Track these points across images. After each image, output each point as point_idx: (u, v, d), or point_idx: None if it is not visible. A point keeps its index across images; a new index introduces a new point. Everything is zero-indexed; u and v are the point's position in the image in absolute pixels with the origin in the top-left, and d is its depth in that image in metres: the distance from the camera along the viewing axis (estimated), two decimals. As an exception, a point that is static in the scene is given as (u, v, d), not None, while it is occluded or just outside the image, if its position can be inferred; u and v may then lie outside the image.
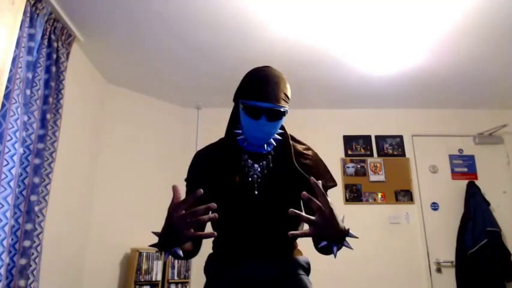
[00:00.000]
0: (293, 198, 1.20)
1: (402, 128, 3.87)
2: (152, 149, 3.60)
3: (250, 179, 1.19)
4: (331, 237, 0.98)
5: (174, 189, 0.93)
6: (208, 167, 1.24)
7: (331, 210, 0.93)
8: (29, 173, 2.08)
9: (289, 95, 1.16)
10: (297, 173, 1.20)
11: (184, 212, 0.91)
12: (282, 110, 1.13)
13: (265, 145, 1.21)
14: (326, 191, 1.23)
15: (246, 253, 1.20)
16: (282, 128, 1.26)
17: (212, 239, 1.31)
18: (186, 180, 1.29)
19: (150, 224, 3.59)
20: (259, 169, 1.21)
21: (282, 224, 1.20)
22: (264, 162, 1.22)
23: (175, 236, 0.94)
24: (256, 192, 1.18)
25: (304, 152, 1.27)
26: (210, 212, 0.98)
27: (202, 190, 0.89)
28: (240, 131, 1.22)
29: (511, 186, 3.63)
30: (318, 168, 1.26)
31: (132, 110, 3.56)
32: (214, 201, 1.23)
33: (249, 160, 1.22)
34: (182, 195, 0.95)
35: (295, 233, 0.93)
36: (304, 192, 0.91)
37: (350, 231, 1.00)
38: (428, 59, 2.92)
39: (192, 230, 0.93)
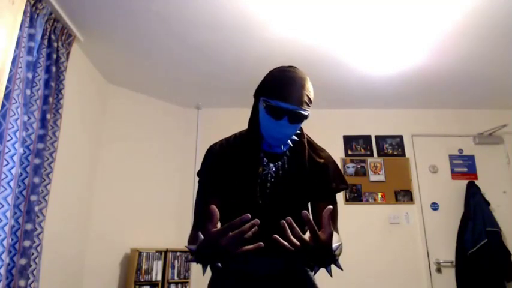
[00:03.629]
0: (303, 200, 1.23)
1: (402, 128, 3.87)
2: (152, 149, 3.60)
3: (263, 177, 1.20)
4: (315, 260, 0.95)
5: (212, 210, 0.88)
6: (224, 164, 1.22)
7: (328, 238, 0.89)
8: (29, 173, 2.08)
9: (312, 99, 1.15)
10: (309, 177, 1.21)
11: (230, 234, 0.86)
12: (303, 113, 1.11)
13: (282, 145, 1.21)
14: (337, 193, 1.26)
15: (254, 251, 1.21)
16: (300, 128, 1.25)
17: None
18: (199, 174, 1.27)
19: (150, 224, 3.61)
20: (273, 169, 1.21)
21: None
22: (279, 162, 1.21)
23: (224, 256, 0.90)
24: (267, 192, 1.19)
25: (318, 153, 1.27)
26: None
27: (249, 215, 0.84)
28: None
29: (511, 186, 3.62)
30: (330, 170, 1.25)
31: (132, 110, 3.56)
32: (227, 197, 1.22)
33: (265, 158, 1.22)
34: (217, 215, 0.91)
35: (280, 240, 0.88)
36: (305, 212, 0.87)
37: (338, 261, 0.98)
38: (428, 59, 2.92)
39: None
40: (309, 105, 1.13)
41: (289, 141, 1.21)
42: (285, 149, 1.23)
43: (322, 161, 1.25)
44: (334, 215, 1.23)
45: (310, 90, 1.14)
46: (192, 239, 1.11)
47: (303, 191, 1.22)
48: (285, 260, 1.20)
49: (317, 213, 1.23)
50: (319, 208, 1.22)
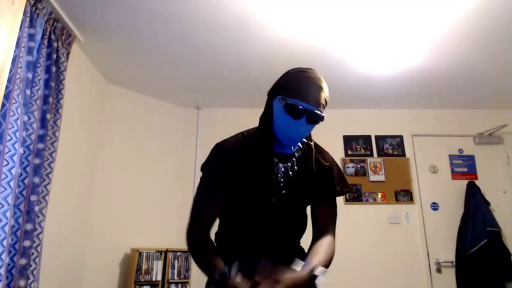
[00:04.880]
0: (306, 202, 1.26)
1: (402, 128, 3.87)
2: (152, 149, 3.60)
3: (274, 177, 1.20)
4: None
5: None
6: (230, 161, 1.19)
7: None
8: (29, 173, 2.08)
9: (328, 102, 1.17)
10: (316, 179, 1.22)
11: None
12: (321, 115, 1.12)
13: (292, 146, 1.22)
14: (340, 196, 1.29)
15: (257, 250, 1.21)
16: None
17: (214, 232, 1.32)
18: (203, 167, 1.24)
19: (150, 224, 3.61)
20: (283, 169, 1.21)
21: (293, 226, 1.26)
22: (289, 164, 1.22)
23: None
24: (282, 192, 1.19)
25: (324, 156, 1.29)
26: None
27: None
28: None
29: (511, 186, 3.62)
30: (335, 173, 1.28)
31: (132, 110, 3.56)
32: (234, 196, 1.21)
33: (275, 158, 1.21)
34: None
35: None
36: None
37: (316, 281, 1.02)
38: (428, 59, 2.92)
39: None
40: (324, 108, 1.15)
41: (299, 143, 1.22)
42: (294, 150, 1.23)
43: (327, 164, 1.26)
44: (333, 218, 1.26)
45: (327, 92, 1.16)
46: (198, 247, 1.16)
47: (309, 192, 1.23)
48: (284, 260, 1.20)
49: (317, 215, 1.24)
50: (320, 210, 1.25)
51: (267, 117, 1.20)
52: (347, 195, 3.63)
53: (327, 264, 1.10)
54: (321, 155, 1.28)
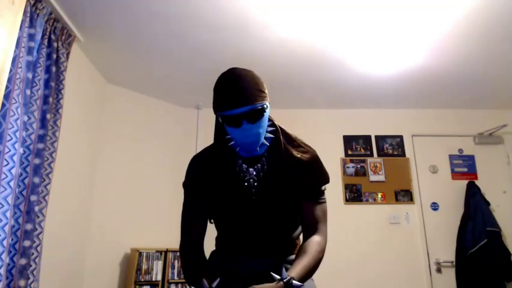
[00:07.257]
0: (291, 198, 1.21)
1: (402, 128, 3.87)
2: (152, 149, 3.60)
3: (246, 184, 1.19)
4: None
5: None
6: (205, 173, 1.23)
7: None
8: (29, 173, 2.08)
9: (262, 89, 1.11)
10: (288, 173, 1.19)
11: None
12: (258, 107, 1.08)
13: (258, 148, 1.17)
14: (318, 189, 1.23)
15: (245, 253, 1.23)
16: (273, 124, 1.22)
17: (214, 236, 1.34)
18: (183, 184, 1.28)
19: (150, 224, 3.61)
20: (254, 173, 1.19)
21: (280, 226, 1.23)
22: (259, 165, 1.20)
23: None
24: (253, 198, 1.18)
25: (296, 148, 1.23)
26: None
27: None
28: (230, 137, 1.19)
29: (511, 186, 3.63)
30: (309, 165, 1.21)
31: (132, 110, 3.56)
32: (214, 205, 1.24)
33: (244, 165, 1.20)
34: None
35: None
36: None
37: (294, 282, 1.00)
38: (428, 59, 2.92)
39: None
40: (262, 97, 1.10)
41: (266, 142, 1.18)
42: (262, 151, 1.20)
43: (299, 155, 1.21)
44: (321, 215, 1.21)
45: (255, 82, 1.10)
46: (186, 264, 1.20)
47: (287, 188, 1.19)
48: (278, 260, 1.20)
49: (304, 213, 1.21)
50: (306, 208, 1.20)
51: (218, 132, 1.23)
52: (347, 195, 3.63)
53: (309, 271, 1.07)
54: (294, 147, 1.23)
